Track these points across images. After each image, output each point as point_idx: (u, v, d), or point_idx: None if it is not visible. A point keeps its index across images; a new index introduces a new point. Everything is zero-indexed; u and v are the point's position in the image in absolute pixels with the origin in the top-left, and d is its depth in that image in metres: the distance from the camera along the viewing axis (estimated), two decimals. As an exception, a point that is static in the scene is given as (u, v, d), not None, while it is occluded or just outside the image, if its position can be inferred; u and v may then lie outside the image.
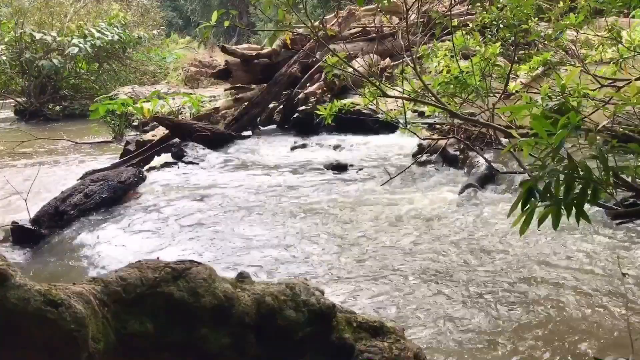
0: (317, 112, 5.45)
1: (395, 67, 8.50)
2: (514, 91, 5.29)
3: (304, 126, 8.60)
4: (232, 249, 4.39)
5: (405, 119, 4.62)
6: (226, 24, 3.58)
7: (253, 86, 10.11)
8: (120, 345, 1.94)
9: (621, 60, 4.78)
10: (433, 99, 4.06)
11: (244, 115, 9.08)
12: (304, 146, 8.00)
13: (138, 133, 10.52)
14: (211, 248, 4.44)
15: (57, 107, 13.87)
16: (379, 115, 5.54)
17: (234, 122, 8.98)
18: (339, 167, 6.64)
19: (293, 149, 7.97)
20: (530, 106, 2.10)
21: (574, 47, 5.62)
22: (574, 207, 1.76)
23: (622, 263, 3.65)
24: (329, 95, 8.83)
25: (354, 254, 4.15)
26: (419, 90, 4.37)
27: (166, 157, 7.67)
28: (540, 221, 1.82)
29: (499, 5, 4.69)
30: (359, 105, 6.14)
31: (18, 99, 14.17)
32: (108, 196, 5.37)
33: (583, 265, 3.71)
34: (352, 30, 10.42)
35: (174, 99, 11.13)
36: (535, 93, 4.11)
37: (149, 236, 4.75)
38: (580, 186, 1.76)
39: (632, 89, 2.32)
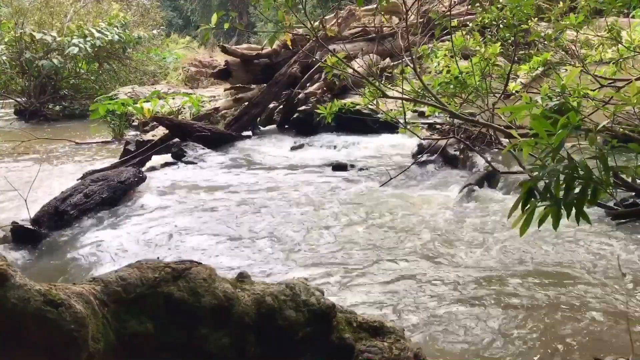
0: (317, 112, 5.45)
1: (395, 67, 8.50)
2: (514, 91, 5.30)
3: (304, 126, 8.60)
4: (232, 249, 4.39)
5: (405, 119, 4.62)
6: (226, 26, 3.58)
7: (253, 86, 10.11)
8: (120, 345, 1.94)
9: (621, 60, 4.79)
10: (433, 99, 4.06)
11: (244, 115, 9.07)
12: (303, 146, 8.01)
13: (138, 133, 10.51)
14: (211, 248, 4.44)
15: (57, 107, 13.84)
16: (379, 115, 5.55)
17: (234, 122, 8.98)
18: (339, 167, 6.64)
19: (293, 148, 7.98)
20: (530, 106, 2.09)
21: (574, 47, 5.62)
22: (574, 207, 1.76)
23: (622, 263, 3.65)
24: (329, 95, 8.83)
25: (353, 254, 4.15)
26: (419, 91, 4.37)
27: (166, 157, 7.67)
28: (540, 221, 1.82)
29: (499, 5, 4.70)
30: (359, 105, 6.15)
31: (18, 99, 14.15)
32: (108, 196, 5.37)
33: (583, 265, 3.71)
34: (352, 31, 10.42)
35: (174, 99, 11.12)
36: (535, 93, 4.11)
37: (149, 236, 4.75)
38: (580, 186, 1.76)
39: (632, 89, 2.32)
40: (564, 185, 1.76)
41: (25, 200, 4.71)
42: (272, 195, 5.70)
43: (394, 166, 6.41)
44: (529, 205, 1.80)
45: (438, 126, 7.04)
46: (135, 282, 2.00)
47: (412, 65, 4.24)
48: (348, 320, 2.28)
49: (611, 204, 4.21)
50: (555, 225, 1.78)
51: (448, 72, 5.02)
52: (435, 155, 6.28)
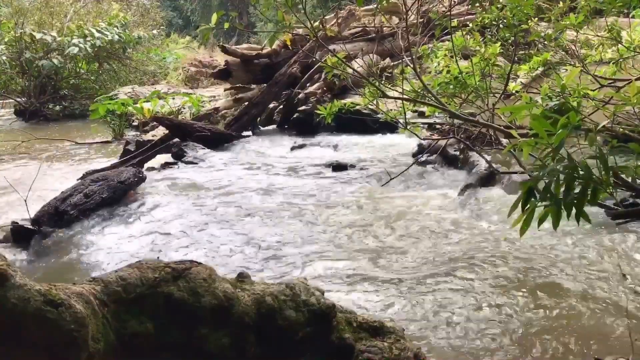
0: (317, 112, 5.45)
1: (395, 67, 8.50)
2: (514, 91, 5.30)
3: (304, 126, 8.60)
4: (232, 249, 4.39)
5: (405, 119, 4.62)
6: (226, 26, 3.58)
7: (253, 86, 10.12)
8: (120, 345, 1.94)
9: (621, 60, 4.78)
10: (433, 99, 4.06)
11: (244, 115, 9.08)
12: (303, 146, 8.00)
13: (138, 133, 10.52)
14: (211, 248, 4.44)
15: (57, 107, 13.84)
16: (379, 115, 5.55)
17: (234, 122, 8.98)
18: (339, 167, 6.64)
19: (293, 149, 7.97)
20: (530, 106, 2.09)
21: (574, 47, 5.62)
22: (574, 207, 1.76)
23: (622, 263, 3.65)
24: (329, 95, 8.84)
25: (353, 254, 4.15)
26: (419, 91, 4.37)
27: (166, 157, 7.67)
28: (540, 221, 1.82)
29: (499, 5, 4.70)
30: (359, 105, 6.14)
31: (18, 99, 14.15)
32: (108, 196, 5.36)
33: (583, 266, 3.71)
34: (352, 31, 10.43)
35: (174, 99, 11.13)
36: (535, 93, 4.11)
37: (149, 236, 4.75)
38: (580, 186, 1.76)
39: (632, 89, 2.32)
40: (564, 185, 1.76)
41: (25, 200, 4.71)
42: (272, 196, 5.69)
43: (394, 166, 6.40)
44: (529, 205, 1.80)
45: (438, 126, 7.04)
46: (135, 282, 2.00)
47: (412, 65, 4.24)
48: (348, 320, 2.28)
49: (611, 204, 4.21)
50: (555, 225, 1.78)
51: (448, 72, 5.02)
52: (435, 155, 6.28)
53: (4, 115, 14.37)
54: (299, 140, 8.22)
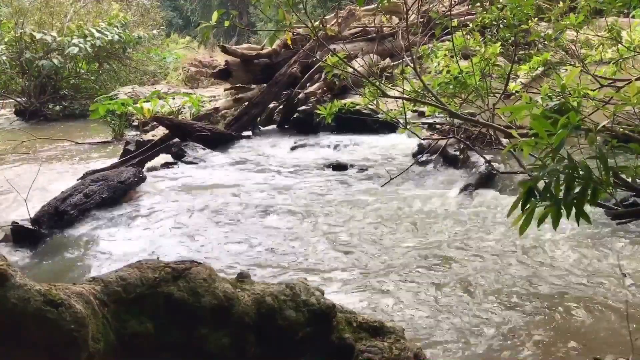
0: (317, 112, 5.45)
1: (395, 67, 8.49)
2: (514, 91, 5.29)
3: (304, 126, 8.60)
4: (231, 249, 4.39)
5: (405, 119, 4.61)
6: (226, 24, 3.58)
7: (253, 86, 10.11)
8: (120, 345, 1.94)
9: (621, 60, 4.78)
10: (433, 99, 4.06)
11: (244, 115, 9.07)
12: (303, 146, 8.00)
13: (138, 133, 10.52)
14: (211, 247, 4.44)
15: (57, 107, 13.82)
16: (379, 115, 5.54)
17: (234, 122, 8.98)
18: (339, 167, 6.64)
19: (293, 148, 7.97)
20: (530, 106, 2.09)
21: (574, 47, 5.61)
22: (573, 207, 1.76)
23: (622, 263, 3.65)
24: (329, 95, 8.83)
25: (353, 254, 4.15)
26: (419, 90, 4.37)
27: (166, 157, 7.67)
28: (540, 221, 1.81)
29: (499, 5, 4.69)
30: (359, 105, 6.14)
31: (18, 99, 14.14)
32: (108, 196, 5.36)
33: (583, 266, 3.71)
34: (352, 30, 10.42)
35: (174, 99, 11.12)
36: (535, 93, 4.11)
37: (149, 236, 4.75)
38: (580, 186, 1.76)
39: (632, 89, 2.32)
40: (564, 185, 1.76)
41: (25, 200, 4.71)
42: (272, 195, 5.69)
43: (394, 166, 6.40)
44: (528, 205, 1.80)
45: (438, 126, 7.04)
46: (135, 282, 2.00)
47: (412, 65, 4.24)
48: (348, 320, 2.28)
49: (611, 204, 4.20)
50: (555, 225, 1.78)
51: (448, 72, 5.02)
52: (435, 155, 6.28)
53: (4, 115, 14.36)
54: (299, 140, 8.22)
